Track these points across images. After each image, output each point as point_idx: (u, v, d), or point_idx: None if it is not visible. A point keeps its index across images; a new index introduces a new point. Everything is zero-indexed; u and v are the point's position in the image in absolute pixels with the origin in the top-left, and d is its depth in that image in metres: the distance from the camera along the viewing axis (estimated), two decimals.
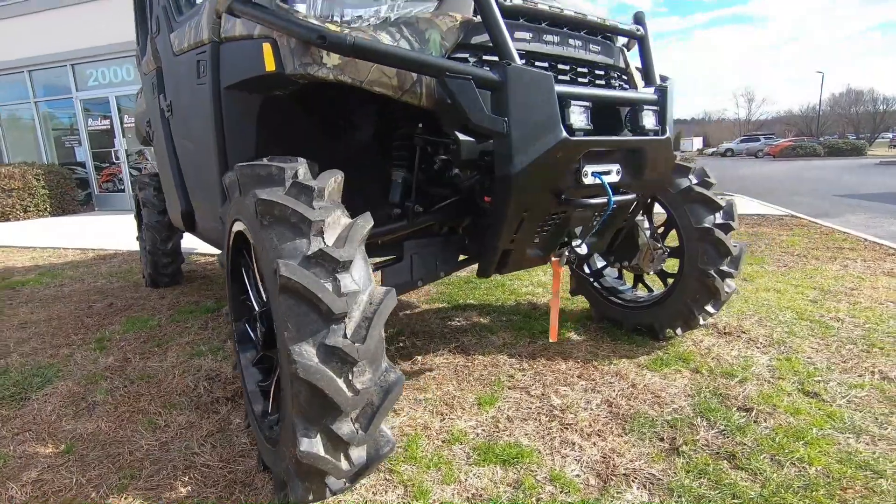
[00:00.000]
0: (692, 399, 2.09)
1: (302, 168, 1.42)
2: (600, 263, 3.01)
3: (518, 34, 1.69)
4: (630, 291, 2.93)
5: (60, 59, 11.24)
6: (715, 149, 48.06)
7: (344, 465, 1.26)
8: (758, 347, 2.58)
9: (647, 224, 2.69)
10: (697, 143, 67.02)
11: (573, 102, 1.57)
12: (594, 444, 1.79)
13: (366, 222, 1.34)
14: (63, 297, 4.16)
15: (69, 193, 10.88)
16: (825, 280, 3.79)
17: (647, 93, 1.89)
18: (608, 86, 2.03)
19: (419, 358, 2.54)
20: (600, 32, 1.92)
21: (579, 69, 1.90)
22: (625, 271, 2.95)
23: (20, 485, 1.65)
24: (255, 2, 1.54)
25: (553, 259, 2.01)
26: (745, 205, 8.68)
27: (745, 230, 6.16)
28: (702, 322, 2.60)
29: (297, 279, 1.15)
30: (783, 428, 1.86)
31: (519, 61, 1.50)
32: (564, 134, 1.52)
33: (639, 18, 2.07)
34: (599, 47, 1.96)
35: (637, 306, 2.78)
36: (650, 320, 2.68)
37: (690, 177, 2.46)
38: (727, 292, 2.47)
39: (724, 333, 2.77)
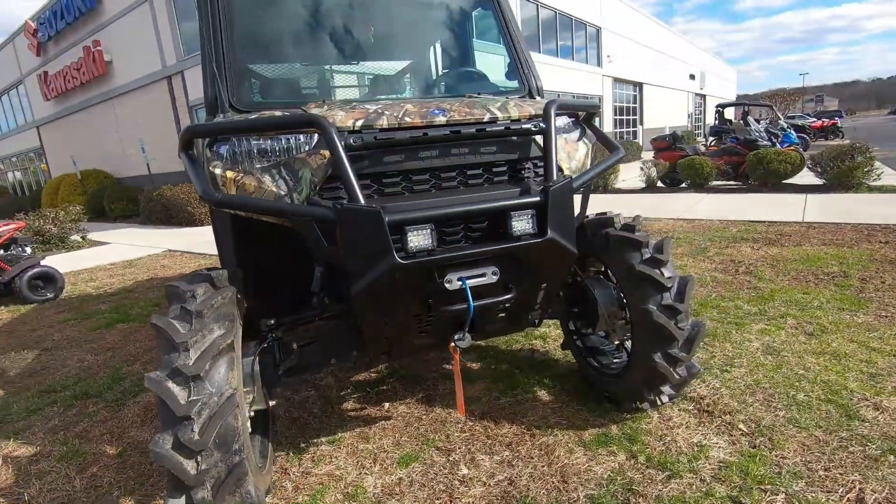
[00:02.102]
0: (597, 490, 2.07)
1: (201, 288, 1.88)
2: None
3: (388, 158, 1.91)
4: (611, 355, 2.84)
5: None
6: None
7: None
8: (730, 435, 2.35)
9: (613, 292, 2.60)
10: None
11: (408, 228, 1.75)
12: None
13: (224, 339, 1.75)
14: None
15: None
16: None
17: (520, 197, 1.92)
18: (513, 180, 2.09)
19: (387, 405, 2.89)
20: (487, 138, 2.00)
21: (469, 171, 2.03)
22: None
23: (82, 477, 2.48)
24: (189, 152, 2.02)
25: (451, 344, 2.17)
26: None
27: (883, 253, 5.03)
28: (664, 402, 2.46)
29: (154, 389, 1.63)
30: None
31: (361, 199, 1.73)
32: (396, 260, 1.72)
33: (546, 111, 2.06)
34: (495, 147, 2.05)
35: (606, 373, 2.70)
36: (614, 390, 2.61)
37: (643, 251, 2.33)
38: (679, 377, 2.30)
39: (705, 411, 2.54)
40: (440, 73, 3.10)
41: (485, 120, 2.03)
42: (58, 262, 8.17)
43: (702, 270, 5.00)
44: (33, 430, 3.01)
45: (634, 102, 29.97)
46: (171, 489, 1.68)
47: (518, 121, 2.10)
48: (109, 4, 17.08)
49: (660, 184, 12.06)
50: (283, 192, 1.87)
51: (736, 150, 11.97)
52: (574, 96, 23.19)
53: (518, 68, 2.86)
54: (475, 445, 2.44)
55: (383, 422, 2.72)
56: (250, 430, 2.06)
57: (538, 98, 2.79)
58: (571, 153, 2.29)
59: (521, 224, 1.89)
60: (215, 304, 1.85)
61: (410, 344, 2.18)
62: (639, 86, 29.72)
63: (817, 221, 6.76)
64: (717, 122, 19.68)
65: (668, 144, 13.42)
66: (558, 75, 21.38)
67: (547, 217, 1.90)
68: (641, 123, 30.00)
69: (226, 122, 1.93)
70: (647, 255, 2.30)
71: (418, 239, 1.77)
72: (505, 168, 2.08)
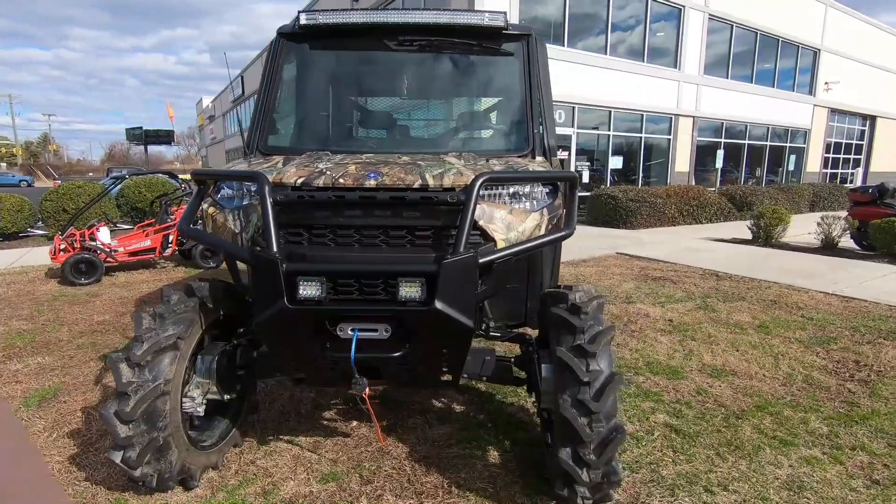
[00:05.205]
0: None
1: (177, 295, 2.40)
2: None
3: (317, 213, 2.18)
4: None
5: None
6: None
7: (137, 473, 2.22)
8: None
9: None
10: None
11: (300, 279, 1.99)
12: None
13: (169, 339, 2.23)
14: None
15: None
16: None
17: (411, 265, 2.01)
18: (437, 245, 2.17)
19: (354, 423, 3.12)
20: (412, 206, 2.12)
21: (392, 232, 2.18)
22: None
23: None
24: (200, 187, 2.56)
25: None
26: None
27: None
28: (585, 503, 2.24)
29: (110, 366, 2.18)
30: None
31: (274, 249, 2.03)
32: (285, 304, 1.98)
33: (471, 185, 2.08)
34: (419, 213, 2.16)
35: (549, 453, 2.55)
36: (548, 472, 2.45)
37: (577, 337, 2.17)
38: (591, 481, 2.09)
39: None
40: (453, 127, 3.24)
41: (414, 187, 2.16)
42: None
43: (801, 366, 4.11)
44: None
45: (861, 139, 24.60)
46: (112, 445, 2.22)
47: (451, 189, 2.17)
48: None
49: (848, 243, 9.85)
50: (237, 231, 2.29)
51: None
52: (769, 128, 20.10)
53: (526, 127, 2.86)
54: (392, 484, 2.56)
55: (340, 437, 2.99)
56: (203, 413, 2.54)
57: (539, 159, 2.76)
58: (514, 223, 2.25)
59: (409, 291, 1.99)
60: (177, 310, 2.35)
61: (321, 376, 2.42)
62: (870, 119, 24.30)
63: None
64: None
65: (871, 199, 10.81)
66: (749, 104, 18.76)
67: (435, 289, 1.97)
68: (867, 164, 24.49)
69: (204, 170, 2.42)
70: (577, 342, 2.16)
71: (309, 289, 2.00)
72: (429, 233, 2.18)
